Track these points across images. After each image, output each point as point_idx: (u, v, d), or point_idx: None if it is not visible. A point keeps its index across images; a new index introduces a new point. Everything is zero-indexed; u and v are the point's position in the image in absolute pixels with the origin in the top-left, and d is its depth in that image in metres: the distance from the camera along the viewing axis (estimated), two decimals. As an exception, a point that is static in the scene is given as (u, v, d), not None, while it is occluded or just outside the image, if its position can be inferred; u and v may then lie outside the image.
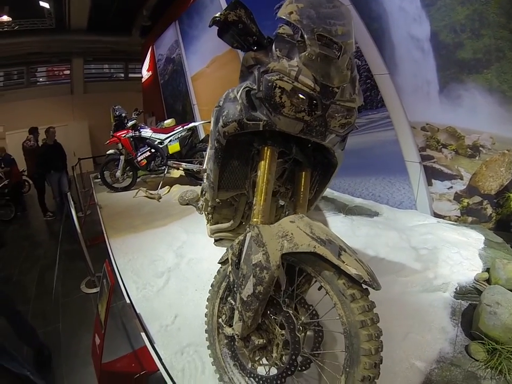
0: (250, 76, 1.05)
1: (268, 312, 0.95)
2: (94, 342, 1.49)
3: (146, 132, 4.04)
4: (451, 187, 2.40)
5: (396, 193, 2.77)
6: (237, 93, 1.07)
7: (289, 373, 0.90)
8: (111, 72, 13.25)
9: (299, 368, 1.00)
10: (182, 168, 3.96)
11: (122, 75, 13.17)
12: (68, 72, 12.01)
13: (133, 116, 4.25)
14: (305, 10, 0.98)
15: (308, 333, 0.99)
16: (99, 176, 4.35)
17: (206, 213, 1.61)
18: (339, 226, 2.37)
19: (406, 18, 2.41)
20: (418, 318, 1.40)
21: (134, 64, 12.03)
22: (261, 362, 0.99)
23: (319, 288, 0.89)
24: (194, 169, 3.86)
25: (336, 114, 0.96)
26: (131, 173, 4.21)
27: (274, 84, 0.92)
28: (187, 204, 3.26)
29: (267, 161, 1.06)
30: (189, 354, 1.26)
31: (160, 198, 3.68)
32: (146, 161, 3.97)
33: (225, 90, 1.17)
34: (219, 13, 1.00)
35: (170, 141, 3.97)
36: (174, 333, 1.41)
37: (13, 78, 11.49)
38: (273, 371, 0.97)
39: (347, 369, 0.79)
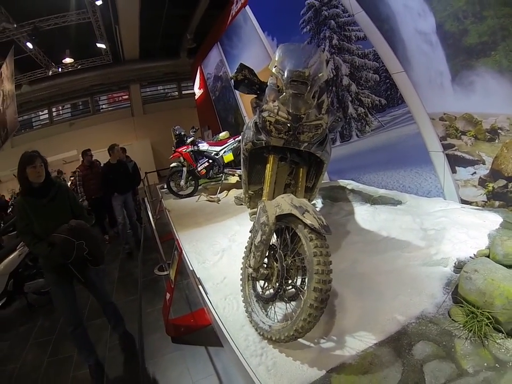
0: (256, 112, 1.65)
1: (270, 254, 1.48)
2: (165, 299, 2.12)
3: (204, 146, 4.73)
4: (474, 173, 2.43)
5: (423, 183, 2.88)
6: (250, 123, 1.71)
7: (279, 291, 1.39)
8: (166, 92, 14.90)
9: (292, 300, 1.43)
10: (237, 174, 4.47)
11: (176, 93, 14.73)
12: (127, 97, 13.98)
13: (191, 133, 4.95)
14: (284, 63, 1.53)
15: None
16: (165, 186, 5.07)
17: (245, 202, 2.26)
18: (363, 213, 2.65)
19: (412, 15, 2.51)
20: (412, 285, 1.64)
21: (186, 82, 13.36)
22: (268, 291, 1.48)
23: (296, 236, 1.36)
24: None
25: (305, 131, 1.47)
26: (193, 181, 4.86)
27: (265, 119, 1.50)
28: (241, 204, 3.72)
29: (270, 163, 1.64)
30: (229, 299, 1.77)
31: (219, 200, 4.23)
32: (205, 171, 4.61)
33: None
34: (232, 74, 1.65)
35: (224, 152, 4.58)
36: (221, 288, 1.93)
37: (80, 108, 13.93)
38: None
39: (308, 285, 1.23)
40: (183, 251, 2.45)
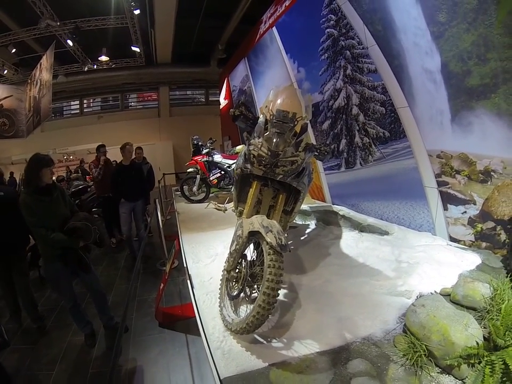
0: (247, 144, 1.92)
1: (242, 261, 1.73)
2: (159, 288, 2.41)
3: (218, 157, 5.05)
4: (465, 212, 2.47)
5: (416, 216, 2.94)
6: (242, 152, 1.99)
7: (242, 288, 1.65)
8: (193, 97, 15.32)
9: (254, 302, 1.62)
10: None
11: (203, 100, 15.12)
12: (155, 97, 14.50)
13: (208, 144, 5.26)
14: (273, 103, 1.79)
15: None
16: (179, 190, 5.33)
17: (237, 216, 2.52)
18: (348, 239, 2.78)
19: (420, 53, 2.60)
20: (370, 310, 1.75)
21: (214, 90, 13.73)
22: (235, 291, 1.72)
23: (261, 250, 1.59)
24: None
25: (281, 165, 1.72)
26: (205, 189, 5.16)
27: (250, 152, 1.77)
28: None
29: (253, 188, 1.92)
30: (210, 296, 2.00)
31: (226, 210, 4.47)
32: (217, 181, 4.92)
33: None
34: (231, 110, 1.93)
35: None
36: (206, 285, 2.17)
37: (109, 103, 14.66)
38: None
39: (260, 289, 1.46)
40: (181, 250, 2.75)
